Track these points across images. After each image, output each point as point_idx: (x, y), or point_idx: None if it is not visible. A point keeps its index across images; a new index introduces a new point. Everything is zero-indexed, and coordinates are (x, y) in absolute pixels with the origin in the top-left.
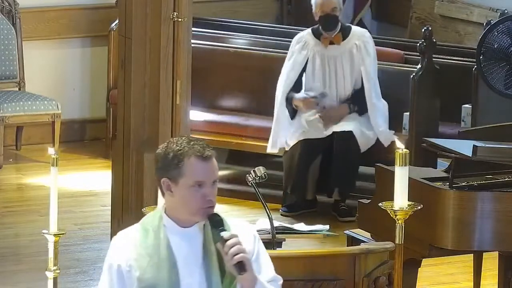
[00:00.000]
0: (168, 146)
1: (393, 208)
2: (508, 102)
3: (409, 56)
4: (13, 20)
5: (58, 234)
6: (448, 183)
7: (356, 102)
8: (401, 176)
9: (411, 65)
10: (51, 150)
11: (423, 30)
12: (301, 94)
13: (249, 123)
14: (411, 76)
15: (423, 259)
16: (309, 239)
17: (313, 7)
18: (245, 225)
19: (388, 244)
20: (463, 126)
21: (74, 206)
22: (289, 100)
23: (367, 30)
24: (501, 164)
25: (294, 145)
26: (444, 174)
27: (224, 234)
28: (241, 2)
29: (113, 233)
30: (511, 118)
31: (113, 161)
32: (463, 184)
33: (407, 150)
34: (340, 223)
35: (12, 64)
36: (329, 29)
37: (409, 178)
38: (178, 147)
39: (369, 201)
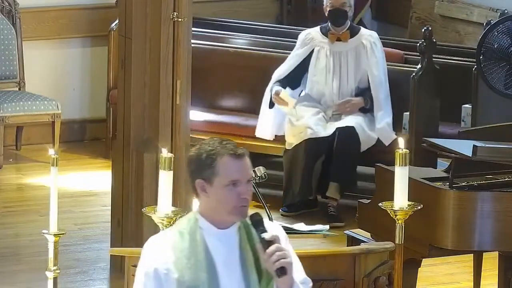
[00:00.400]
0: (201, 148)
1: (393, 208)
2: (508, 102)
3: (409, 56)
4: (13, 20)
5: (58, 234)
6: (448, 183)
7: (369, 99)
8: (401, 176)
9: (411, 65)
10: (51, 150)
11: (423, 30)
12: (277, 88)
13: (249, 123)
14: (411, 76)
15: (423, 259)
16: (309, 239)
17: (324, 2)
18: (275, 226)
19: (388, 244)
20: (463, 126)
21: (74, 206)
22: (272, 90)
23: (375, 32)
24: (501, 164)
25: (297, 144)
26: (444, 174)
27: (265, 236)
28: (241, 2)
29: (113, 233)
30: (511, 118)
31: (113, 161)
32: (463, 184)
33: (407, 150)
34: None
35: (12, 64)
36: (338, 24)
37: (409, 178)
38: (210, 148)
39: (369, 201)
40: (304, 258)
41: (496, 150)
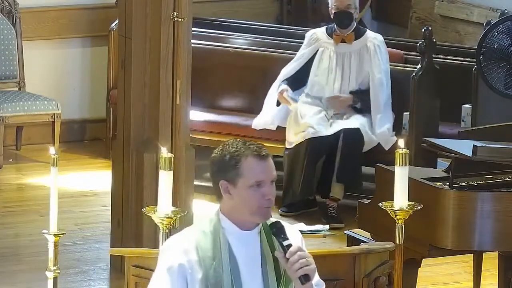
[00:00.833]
0: (224, 149)
1: (393, 208)
2: (508, 102)
3: (409, 56)
4: (13, 20)
5: (58, 234)
6: (448, 183)
7: (360, 99)
8: (401, 176)
9: (411, 65)
10: (51, 150)
11: (423, 30)
12: (284, 87)
13: (249, 123)
14: (411, 76)
15: (423, 259)
16: (309, 239)
17: (329, 4)
18: (292, 227)
19: (388, 244)
20: (463, 126)
21: (74, 206)
22: (278, 87)
23: (380, 35)
24: (501, 164)
25: (298, 143)
26: (444, 174)
27: (287, 243)
28: (241, 2)
29: (113, 233)
30: (511, 118)
31: (113, 161)
32: (463, 184)
33: (407, 150)
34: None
35: (12, 64)
36: (343, 25)
37: (409, 178)
38: (234, 149)
39: (369, 201)
40: None
41: (496, 150)
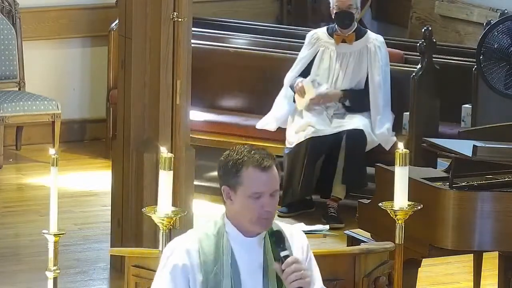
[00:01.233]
0: (230, 154)
1: (393, 208)
2: (508, 102)
3: (409, 56)
4: (13, 20)
5: (58, 234)
6: (448, 183)
7: (350, 96)
8: (401, 176)
9: (411, 65)
10: (51, 150)
11: (423, 30)
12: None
13: (249, 123)
14: (411, 76)
15: (423, 259)
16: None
17: (330, 3)
18: (298, 233)
19: (388, 244)
20: (463, 126)
21: (74, 206)
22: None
23: (381, 36)
24: (501, 164)
25: (299, 143)
26: (444, 174)
27: (284, 254)
28: (241, 2)
29: (113, 233)
30: (511, 118)
31: (113, 161)
32: (463, 184)
33: (407, 150)
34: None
35: (12, 64)
36: (344, 26)
37: (409, 178)
38: (238, 156)
39: (369, 201)
40: None
41: (496, 150)
